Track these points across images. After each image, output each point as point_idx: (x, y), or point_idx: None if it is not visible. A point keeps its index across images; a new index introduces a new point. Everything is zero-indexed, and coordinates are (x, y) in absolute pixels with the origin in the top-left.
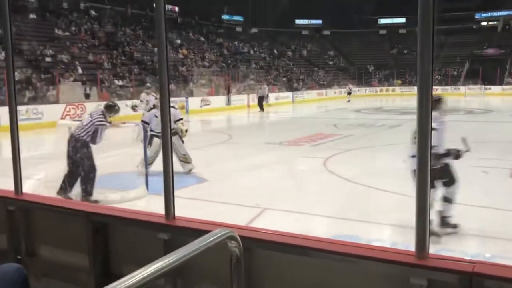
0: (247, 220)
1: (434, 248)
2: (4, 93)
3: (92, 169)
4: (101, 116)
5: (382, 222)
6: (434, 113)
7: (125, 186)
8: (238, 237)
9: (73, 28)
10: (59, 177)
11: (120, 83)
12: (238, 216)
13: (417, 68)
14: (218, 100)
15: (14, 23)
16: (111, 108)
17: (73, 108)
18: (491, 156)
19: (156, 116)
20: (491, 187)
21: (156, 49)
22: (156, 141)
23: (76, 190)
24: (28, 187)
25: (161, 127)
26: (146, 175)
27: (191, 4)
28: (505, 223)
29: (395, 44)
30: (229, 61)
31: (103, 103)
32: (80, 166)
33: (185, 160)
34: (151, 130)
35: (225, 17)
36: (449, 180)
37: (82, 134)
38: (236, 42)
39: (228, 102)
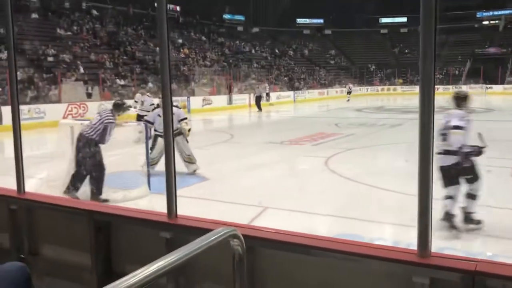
0: (249, 219)
1: (436, 247)
2: (7, 93)
3: (101, 168)
4: (110, 114)
5: (384, 221)
6: (460, 111)
7: (127, 185)
8: (241, 236)
9: (75, 28)
10: (61, 176)
11: (122, 82)
12: (239, 215)
13: (419, 67)
14: (220, 100)
15: (16, 22)
16: (119, 107)
17: (75, 107)
18: (492, 155)
19: (159, 116)
20: (493, 185)
21: (158, 48)
22: (161, 141)
23: (83, 189)
24: (31, 186)
25: (163, 127)
26: (148, 175)
27: (192, 4)
28: (508, 222)
29: (396, 43)
30: (230, 61)
31: (105, 102)
32: (89, 165)
33: (190, 160)
34: (155, 130)
35: (226, 16)
36: (473, 177)
37: (91, 133)
38: (237, 42)
39: (230, 101)
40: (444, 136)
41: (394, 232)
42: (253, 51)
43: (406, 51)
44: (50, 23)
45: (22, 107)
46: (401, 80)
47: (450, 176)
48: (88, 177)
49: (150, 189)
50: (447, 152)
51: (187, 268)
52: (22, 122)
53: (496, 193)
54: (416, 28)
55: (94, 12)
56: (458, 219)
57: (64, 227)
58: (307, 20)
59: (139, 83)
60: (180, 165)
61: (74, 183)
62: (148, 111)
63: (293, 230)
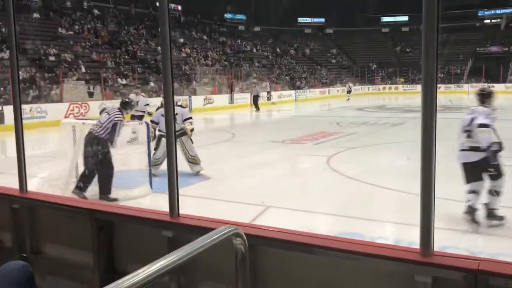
0: (250, 218)
1: (438, 246)
2: (9, 92)
3: (110, 167)
4: (119, 112)
5: (386, 220)
6: (485, 109)
7: (129, 184)
8: (243, 235)
9: (77, 27)
10: (63, 176)
11: (124, 82)
12: (241, 214)
13: (421, 66)
14: (221, 99)
15: (18, 22)
16: (127, 104)
17: (76, 106)
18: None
19: (163, 116)
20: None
21: (159, 48)
22: (165, 141)
23: (91, 188)
24: (33, 185)
25: (165, 126)
26: (150, 174)
27: (194, 3)
28: (511, 221)
29: (397, 42)
30: (232, 60)
31: (106, 102)
32: (98, 164)
33: (194, 161)
34: (159, 130)
35: (227, 15)
36: (498, 173)
37: (100, 132)
38: (239, 41)
39: (231, 100)
40: (469, 133)
41: (396, 231)
42: (254, 50)
43: (408, 50)
44: (51, 23)
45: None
46: (402, 79)
47: (474, 172)
48: (96, 176)
49: (151, 188)
50: (473, 149)
51: (189, 266)
52: (24, 122)
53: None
54: (417, 27)
55: (96, 11)
56: (481, 214)
57: (66, 226)
58: (308, 19)
59: (141, 83)
60: (183, 165)
61: (83, 182)
62: (143, 112)
63: (295, 229)
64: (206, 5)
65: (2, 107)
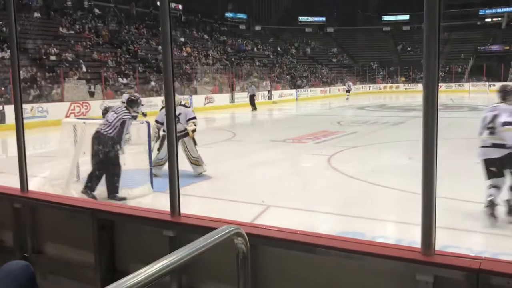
0: (251, 217)
1: (439, 245)
2: (10, 92)
3: (118, 167)
4: (126, 110)
5: (387, 219)
6: (509, 106)
7: (130, 184)
8: (245, 234)
9: (77, 27)
10: (64, 175)
11: (124, 81)
12: (242, 213)
13: (423, 65)
14: (222, 98)
15: (18, 22)
16: (133, 102)
17: (77, 106)
18: None
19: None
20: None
21: (160, 47)
22: None
23: (101, 189)
24: (34, 184)
25: (166, 125)
26: (151, 173)
27: (194, 2)
28: None
29: (399, 41)
30: (232, 59)
31: (107, 101)
32: (106, 164)
33: (196, 163)
34: (164, 131)
35: (228, 15)
36: None
37: (109, 131)
38: (239, 40)
39: (232, 99)
40: (492, 130)
41: (397, 230)
42: (255, 49)
43: (409, 48)
44: (52, 22)
45: (25, 106)
46: (403, 78)
47: (497, 169)
48: (104, 176)
49: (152, 187)
50: (496, 146)
51: (190, 266)
52: (25, 121)
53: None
54: (418, 25)
55: (97, 11)
56: (501, 210)
57: (67, 226)
58: (309, 18)
59: (141, 82)
60: (184, 164)
61: (91, 182)
62: (137, 112)
63: (296, 228)
64: (207, 4)
65: (3, 107)
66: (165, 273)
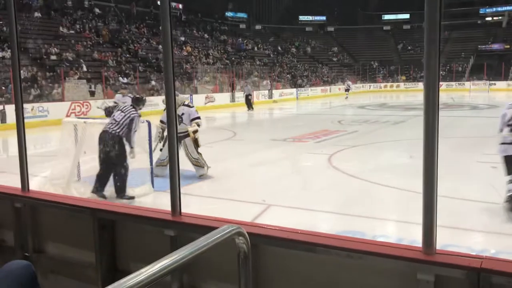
0: (252, 216)
1: (440, 244)
2: (10, 91)
3: (125, 166)
4: (133, 108)
5: (388, 218)
6: None
7: (131, 183)
8: (246, 233)
9: (78, 26)
10: (65, 175)
11: (125, 80)
12: (243, 213)
13: (423, 64)
14: (222, 97)
15: (19, 21)
16: (139, 101)
17: (78, 105)
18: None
19: None
20: (497, 182)
21: (160, 46)
22: None
23: (111, 190)
24: (35, 184)
25: (167, 124)
26: (152, 173)
27: (195, 2)
28: None
29: (399, 40)
30: (233, 58)
31: (107, 101)
32: (114, 163)
33: (198, 164)
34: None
35: (229, 14)
36: None
37: (118, 130)
38: (240, 39)
39: (232, 99)
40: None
41: (398, 229)
42: (255, 48)
43: (409, 47)
44: (53, 22)
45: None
46: (404, 77)
47: None
48: (112, 175)
49: (153, 187)
50: None
51: (191, 265)
52: (25, 121)
53: (500, 189)
54: (419, 24)
55: (97, 10)
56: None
57: (68, 225)
58: (310, 17)
59: (142, 81)
60: (185, 163)
61: (100, 182)
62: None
63: (297, 227)
64: (207, 4)
65: (4, 106)
66: (166, 272)
